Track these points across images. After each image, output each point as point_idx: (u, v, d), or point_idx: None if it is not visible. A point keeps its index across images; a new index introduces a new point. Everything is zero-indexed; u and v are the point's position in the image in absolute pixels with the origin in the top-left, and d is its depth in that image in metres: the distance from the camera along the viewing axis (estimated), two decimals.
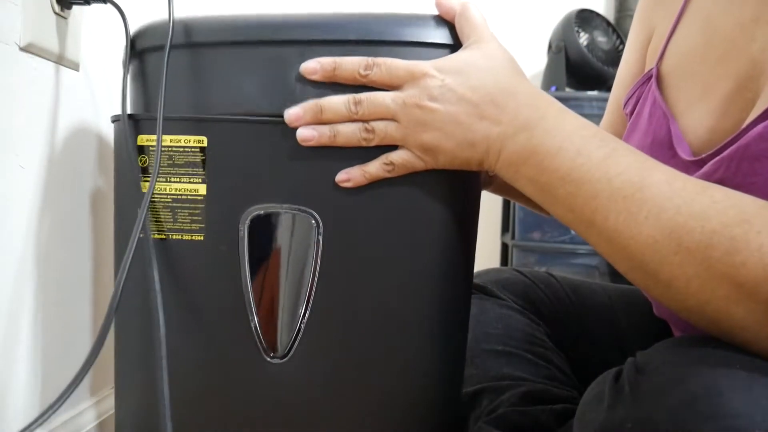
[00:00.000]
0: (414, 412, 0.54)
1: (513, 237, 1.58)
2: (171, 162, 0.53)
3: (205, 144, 0.52)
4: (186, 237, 0.53)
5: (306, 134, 0.49)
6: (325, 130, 0.49)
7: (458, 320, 0.56)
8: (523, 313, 0.71)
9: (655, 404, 0.35)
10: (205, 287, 0.54)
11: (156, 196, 0.53)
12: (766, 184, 0.42)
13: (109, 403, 0.75)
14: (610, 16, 1.80)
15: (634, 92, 0.63)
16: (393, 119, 0.47)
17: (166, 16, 0.54)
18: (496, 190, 0.66)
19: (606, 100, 0.75)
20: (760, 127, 0.42)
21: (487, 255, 1.79)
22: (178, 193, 0.53)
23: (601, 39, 1.63)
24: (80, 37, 0.66)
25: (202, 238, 0.53)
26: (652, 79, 0.59)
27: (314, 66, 0.49)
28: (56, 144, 0.64)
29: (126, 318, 0.57)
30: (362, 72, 0.48)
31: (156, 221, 0.54)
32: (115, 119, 0.57)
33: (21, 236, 0.59)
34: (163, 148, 0.53)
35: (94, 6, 0.62)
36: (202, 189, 0.53)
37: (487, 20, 0.50)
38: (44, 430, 0.64)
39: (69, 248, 0.67)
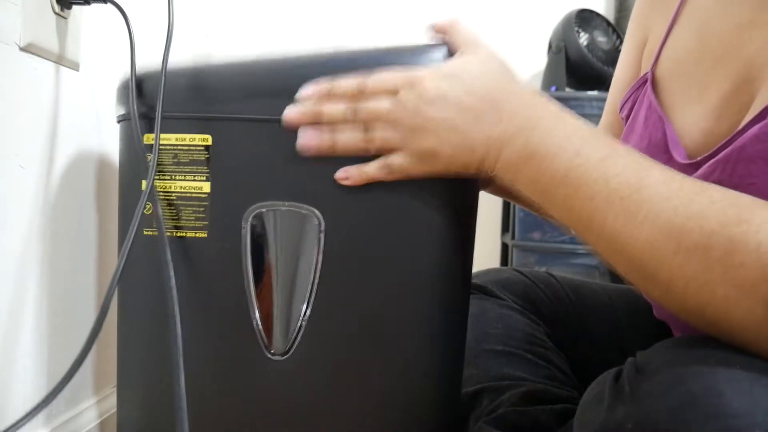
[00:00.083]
0: (414, 411, 0.54)
1: (513, 237, 1.58)
2: (176, 160, 0.53)
3: (209, 142, 0.53)
4: (190, 234, 0.54)
5: (306, 143, 0.50)
6: (325, 138, 0.49)
7: (458, 320, 0.56)
8: (523, 313, 0.71)
9: (655, 404, 0.35)
10: (208, 284, 0.54)
11: (161, 193, 0.54)
12: (762, 186, 0.42)
13: (111, 402, 0.75)
14: (610, 16, 1.80)
15: (630, 96, 0.63)
16: (391, 126, 0.48)
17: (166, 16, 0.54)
18: (495, 191, 0.66)
19: (606, 100, 0.75)
20: (755, 129, 0.42)
21: (487, 255, 1.79)
22: (182, 190, 0.54)
23: (601, 39, 1.63)
24: (80, 37, 0.66)
25: (205, 235, 0.53)
26: (648, 82, 0.59)
27: (310, 91, 0.49)
28: (56, 144, 0.64)
29: (129, 317, 0.58)
30: (359, 86, 0.48)
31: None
32: (121, 119, 0.57)
33: (21, 236, 0.59)
34: (168, 147, 0.54)
35: (94, 6, 0.62)
36: (206, 187, 0.53)
37: (480, 32, 0.51)
38: (46, 428, 0.64)
39: (69, 248, 0.67)
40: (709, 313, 0.38)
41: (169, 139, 0.53)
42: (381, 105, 0.47)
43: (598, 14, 1.67)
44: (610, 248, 0.42)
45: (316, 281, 0.52)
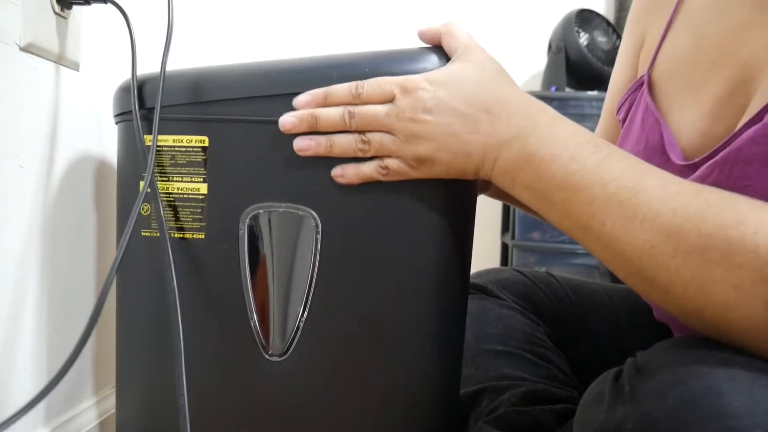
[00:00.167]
0: (413, 411, 0.54)
1: (513, 237, 1.58)
2: (173, 161, 0.53)
3: (206, 144, 0.53)
4: (187, 235, 0.54)
5: (303, 144, 0.50)
6: (321, 140, 0.49)
7: (456, 320, 0.56)
8: (523, 313, 0.71)
9: (655, 404, 0.35)
10: (205, 285, 0.54)
11: (160, 195, 0.54)
12: (758, 188, 0.42)
13: (111, 403, 0.75)
14: (610, 16, 1.80)
15: (627, 98, 0.63)
16: (388, 132, 0.48)
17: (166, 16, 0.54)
18: (493, 195, 0.66)
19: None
20: (751, 131, 0.42)
21: (487, 255, 1.79)
22: (180, 192, 0.54)
23: (601, 39, 1.63)
24: (80, 37, 0.66)
25: (203, 236, 0.54)
26: (644, 85, 0.59)
27: (306, 99, 0.50)
28: (56, 144, 0.64)
29: (128, 317, 0.58)
30: (354, 92, 0.48)
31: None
32: (119, 120, 0.57)
33: (21, 236, 0.59)
34: (165, 148, 0.54)
35: (94, 6, 0.62)
36: (204, 188, 0.53)
37: (474, 35, 0.51)
38: (46, 428, 0.64)
39: (69, 248, 0.67)
40: (708, 314, 0.38)
41: (167, 140, 0.54)
42: (377, 111, 0.48)
43: (598, 14, 1.67)
44: (608, 251, 0.42)
45: (313, 282, 0.52)
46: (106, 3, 0.60)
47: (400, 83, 0.47)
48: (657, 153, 0.54)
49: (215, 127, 0.53)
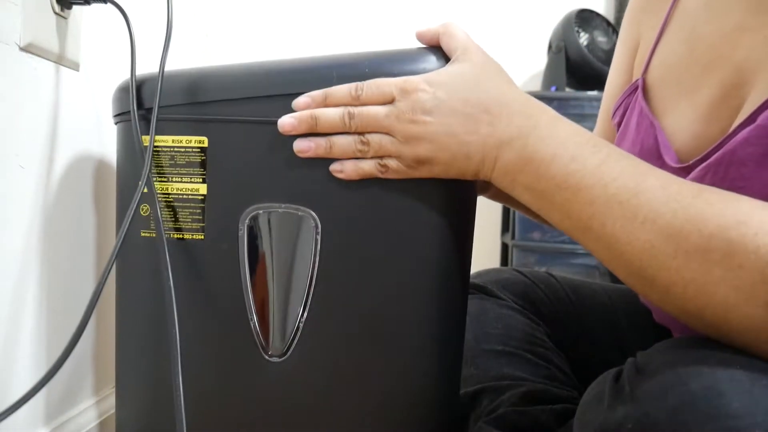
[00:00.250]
0: (413, 411, 0.54)
1: (513, 237, 1.58)
2: (173, 162, 0.53)
3: (205, 144, 0.53)
4: (187, 236, 0.54)
5: (303, 146, 0.50)
6: (321, 142, 0.49)
7: (456, 319, 0.56)
8: (523, 313, 0.71)
9: (655, 404, 0.35)
10: (205, 286, 0.54)
11: (158, 195, 0.54)
12: (753, 189, 0.42)
13: (110, 403, 0.75)
14: (610, 16, 1.80)
15: (622, 102, 0.63)
16: (387, 133, 0.48)
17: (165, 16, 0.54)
18: (493, 196, 0.66)
19: None
20: (745, 132, 0.42)
21: (487, 255, 1.79)
22: (179, 192, 0.54)
23: (601, 39, 1.63)
24: (80, 37, 0.66)
25: (202, 237, 0.54)
26: (639, 89, 0.59)
27: (305, 100, 0.50)
28: (56, 144, 0.64)
29: (127, 318, 0.58)
30: (353, 94, 0.48)
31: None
32: (119, 120, 0.57)
33: (21, 236, 0.59)
34: (165, 148, 0.54)
35: (94, 6, 0.62)
36: (203, 189, 0.53)
37: (474, 35, 0.51)
38: (46, 428, 0.64)
39: (69, 248, 0.67)
40: (708, 315, 0.38)
41: (166, 140, 0.53)
42: (376, 113, 0.48)
43: (598, 14, 1.67)
44: (609, 252, 0.42)
45: (313, 283, 0.52)
46: (105, 3, 0.60)
47: (400, 85, 0.47)
48: (652, 156, 0.54)
49: (215, 127, 0.53)
